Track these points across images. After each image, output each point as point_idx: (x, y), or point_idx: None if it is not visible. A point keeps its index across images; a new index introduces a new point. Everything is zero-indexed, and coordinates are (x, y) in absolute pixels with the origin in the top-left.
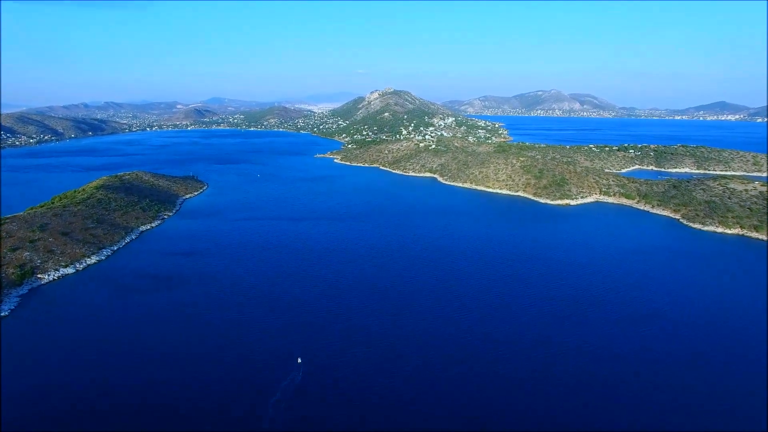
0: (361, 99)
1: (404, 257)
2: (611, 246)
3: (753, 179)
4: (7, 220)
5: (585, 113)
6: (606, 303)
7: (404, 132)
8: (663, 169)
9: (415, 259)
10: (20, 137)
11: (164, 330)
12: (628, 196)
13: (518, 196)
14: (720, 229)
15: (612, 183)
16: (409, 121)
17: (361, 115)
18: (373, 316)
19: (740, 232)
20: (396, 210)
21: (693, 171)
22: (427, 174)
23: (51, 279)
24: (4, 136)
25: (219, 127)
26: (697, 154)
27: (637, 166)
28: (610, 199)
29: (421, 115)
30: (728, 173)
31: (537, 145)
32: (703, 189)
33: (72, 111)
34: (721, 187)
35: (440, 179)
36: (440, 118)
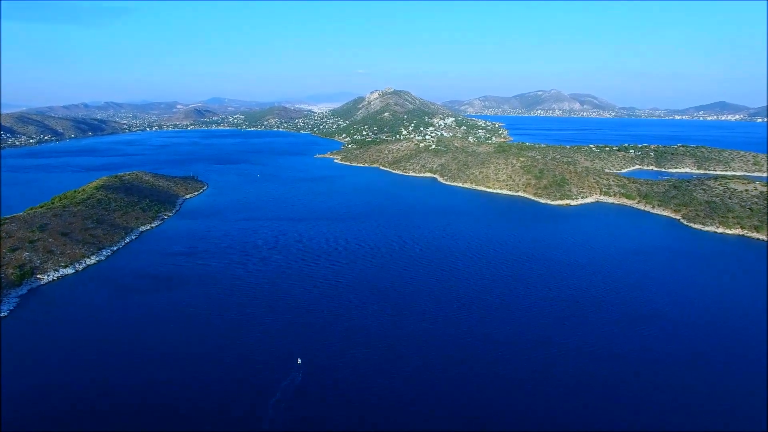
0: (361, 99)
1: (404, 257)
2: (611, 246)
3: (753, 179)
4: (6, 221)
5: (585, 113)
6: (606, 303)
7: (404, 132)
8: (663, 169)
9: (415, 259)
10: (20, 137)
11: (164, 330)
12: (628, 197)
13: (518, 196)
14: (720, 230)
15: (612, 183)
16: (409, 121)
17: (361, 115)
18: (373, 316)
19: (741, 233)
20: (396, 210)
21: (693, 171)
22: (427, 174)
23: (50, 279)
24: (4, 136)
25: (219, 127)
26: (698, 154)
27: (637, 166)
28: (611, 200)
29: (421, 115)
30: (728, 173)
31: (537, 145)
32: (703, 189)
33: (72, 111)
34: (721, 188)
35: (440, 179)
36: (440, 118)
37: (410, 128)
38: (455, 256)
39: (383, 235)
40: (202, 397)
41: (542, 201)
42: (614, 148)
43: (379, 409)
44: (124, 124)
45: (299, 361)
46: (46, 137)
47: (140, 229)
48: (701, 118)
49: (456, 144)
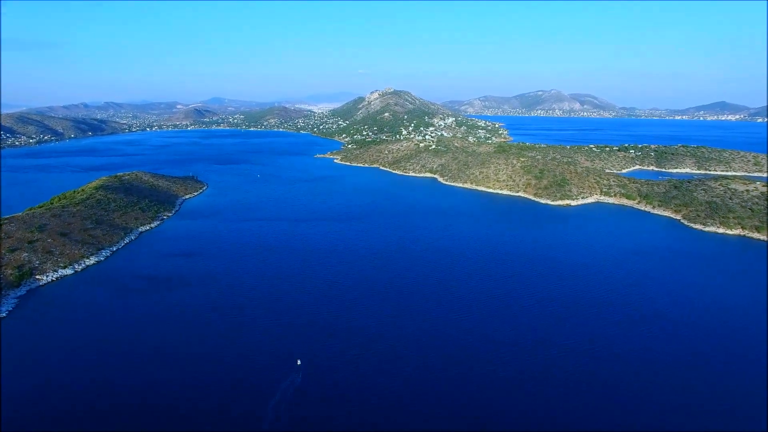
0: (361, 99)
1: (404, 258)
2: (612, 246)
3: (754, 179)
4: (5, 221)
5: (585, 113)
6: (607, 303)
7: (404, 132)
8: (663, 170)
9: (415, 259)
10: (20, 137)
11: (163, 331)
12: (628, 197)
13: (519, 196)
14: (721, 230)
15: (613, 183)
16: (409, 121)
17: (361, 115)
18: (373, 317)
19: (741, 233)
20: (396, 210)
21: (694, 171)
22: (428, 174)
23: (49, 280)
24: (3, 137)
25: (219, 128)
26: (698, 154)
27: (637, 167)
28: (611, 200)
29: (421, 115)
30: (729, 173)
31: (537, 146)
32: (704, 189)
33: (72, 111)
34: (722, 188)
35: (440, 179)
36: (440, 118)
37: (410, 128)
38: (455, 257)
39: (383, 236)
40: (202, 398)
41: (542, 201)
42: (614, 148)
43: (379, 410)
44: (124, 124)
45: (299, 362)
46: (46, 137)
47: (140, 230)
48: (701, 118)
49: (456, 144)
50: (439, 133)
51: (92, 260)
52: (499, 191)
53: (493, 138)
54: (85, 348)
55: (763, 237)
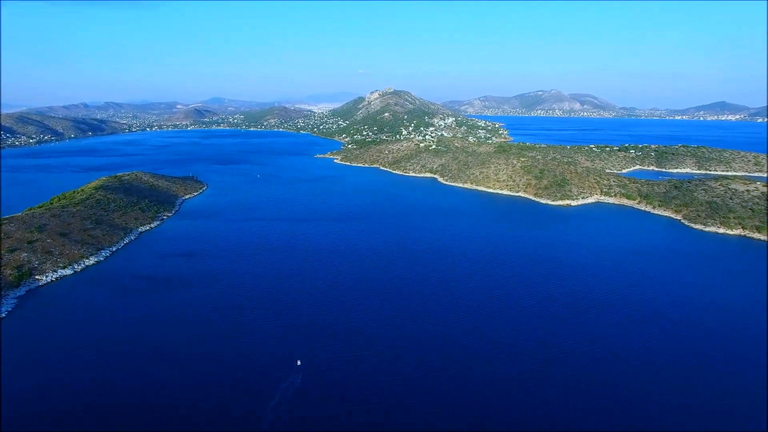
0: (361, 99)
1: (404, 258)
2: (612, 247)
3: (754, 179)
4: (5, 221)
5: (585, 113)
6: (607, 304)
7: (404, 132)
8: (664, 170)
9: (416, 260)
10: (20, 137)
11: (163, 331)
12: (629, 197)
13: (519, 196)
14: (722, 230)
15: (613, 183)
16: (409, 121)
17: (361, 115)
18: (373, 317)
19: (742, 233)
20: (396, 210)
21: (694, 171)
22: (428, 174)
23: (49, 280)
24: (3, 137)
25: (219, 128)
26: (698, 154)
27: (638, 167)
28: (611, 200)
29: (421, 115)
30: (729, 173)
31: (537, 146)
32: (704, 189)
33: (72, 111)
34: (722, 188)
35: (440, 179)
36: (440, 119)
37: (410, 128)
38: (455, 257)
39: (383, 236)
40: (202, 399)
41: (543, 201)
42: (615, 148)
43: (379, 410)
44: (124, 124)
45: (299, 362)
46: (45, 137)
47: (139, 230)
48: (701, 118)
49: (456, 144)
50: (439, 133)
51: (92, 260)
52: (500, 191)
53: (493, 138)
54: (85, 348)
55: (763, 237)
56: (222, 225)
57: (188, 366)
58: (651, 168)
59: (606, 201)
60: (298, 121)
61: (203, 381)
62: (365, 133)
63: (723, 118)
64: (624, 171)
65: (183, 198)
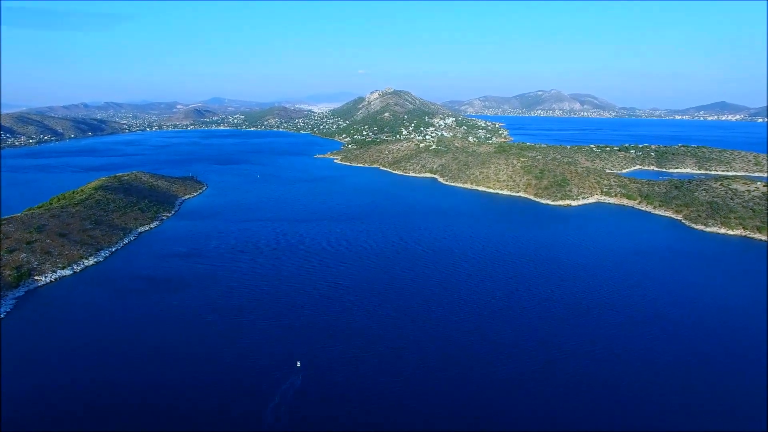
0: (361, 99)
1: (405, 258)
2: (613, 247)
3: (755, 179)
4: (4, 221)
5: (585, 113)
6: (608, 305)
7: (404, 132)
8: (664, 170)
9: (416, 260)
10: (20, 137)
11: (163, 332)
12: (629, 197)
13: (519, 196)
14: (722, 230)
15: (613, 183)
16: (410, 121)
17: (361, 115)
18: (374, 318)
19: (743, 233)
20: (396, 211)
21: (694, 171)
22: (428, 174)
23: (48, 281)
24: (3, 137)
25: (219, 128)
26: (699, 154)
27: (638, 167)
28: (612, 200)
29: (421, 115)
30: (730, 173)
31: (538, 146)
32: (705, 190)
33: (72, 111)
34: (723, 188)
35: (441, 180)
36: (440, 119)
37: (410, 128)
38: (456, 257)
39: (384, 236)
40: (202, 399)
41: (543, 201)
42: (615, 148)
43: (380, 410)
44: (124, 124)
45: (299, 363)
46: (45, 137)
47: (139, 230)
48: (701, 118)
49: (456, 144)
50: (440, 133)
51: (91, 261)
52: (500, 191)
53: (494, 138)
54: (85, 348)
55: (764, 237)
56: (222, 225)
57: (188, 366)
58: (651, 168)
59: (606, 201)
60: (298, 121)
61: (203, 382)
62: (365, 133)
63: (723, 118)
64: (624, 171)
65: (183, 198)
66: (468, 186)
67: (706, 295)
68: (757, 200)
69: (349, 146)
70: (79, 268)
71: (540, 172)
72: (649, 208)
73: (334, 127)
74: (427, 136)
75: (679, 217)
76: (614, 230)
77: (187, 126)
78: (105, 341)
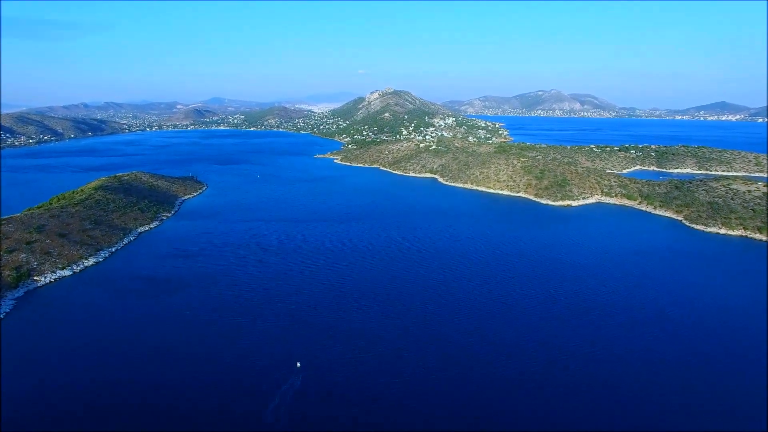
0: (362, 99)
1: (405, 259)
2: (614, 247)
3: (755, 180)
4: (4, 222)
5: (585, 113)
6: (609, 305)
7: (404, 132)
8: (664, 170)
9: (416, 260)
10: (20, 137)
11: (163, 332)
12: (629, 197)
13: (519, 196)
14: (723, 231)
15: (614, 184)
16: (410, 121)
17: (362, 115)
18: (374, 318)
19: (743, 234)
20: (396, 211)
21: (695, 171)
22: (428, 174)
23: (47, 281)
24: (3, 137)
25: (219, 128)
26: (699, 154)
27: (638, 167)
28: (612, 200)
29: (421, 115)
30: (730, 174)
31: (538, 146)
32: (705, 190)
33: (72, 111)
34: (723, 188)
35: (441, 180)
36: (440, 119)
37: (410, 128)
38: (456, 258)
39: (384, 236)
40: (201, 400)
41: (543, 202)
42: (615, 148)
43: (380, 411)
44: (124, 124)
45: (299, 364)
46: (45, 137)
47: (139, 230)
48: (702, 118)
49: (456, 144)
50: (440, 134)
51: (91, 261)
52: (500, 191)
53: (494, 138)
54: (85, 348)
55: (764, 238)
56: (222, 225)
57: (188, 367)
58: (651, 168)
59: (607, 201)
60: (298, 121)
61: (203, 382)
62: (365, 133)
63: (723, 118)
64: (624, 171)
65: (183, 198)
66: (468, 186)
67: (707, 296)
68: (758, 200)
69: (349, 146)
70: (78, 268)
71: (540, 173)
72: (650, 209)
73: (334, 127)
74: (427, 136)
75: (680, 218)
76: (615, 230)
77: (187, 126)
78: (105, 341)
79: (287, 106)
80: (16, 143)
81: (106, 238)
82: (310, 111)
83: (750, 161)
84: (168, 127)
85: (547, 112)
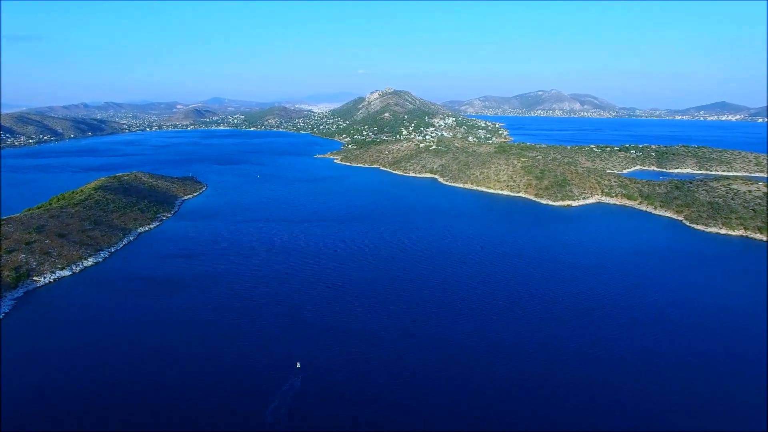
0: (361, 99)
1: (405, 259)
2: (614, 248)
3: (756, 180)
4: (3, 222)
5: (585, 113)
6: (609, 306)
7: (404, 132)
8: (665, 170)
9: (416, 261)
10: (19, 137)
11: (162, 333)
12: (630, 197)
13: (519, 196)
14: (724, 231)
15: (614, 184)
16: (410, 121)
17: (361, 115)
18: (374, 318)
19: (744, 234)
20: (396, 211)
21: (695, 171)
22: (428, 174)
23: (47, 282)
24: (3, 137)
25: (219, 128)
26: (699, 154)
27: (638, 167)
28: (612, 200)
29: (421, 115)
30: (730, 174)
31: (538, 146)
32: (705, 190)
33: (72, 111)
34: (724, 188)
35: (441, 180)
36: (440, 119)
37: (410, 128)
38: (456, 258)
39: (384, 237)
40: (201, 400)
41: (543, 202)
42: (615, 148)
43: (380, 411)
44: (124, 124)
45: (298, 365)
46: (45, 137)
47: (138, 231)
48: (702, 119)
49: (456, 144)
50: (440, 134)
51: (90, 261)
52: (500, 192)
53: (494, 138)
54: (85, 348)
55: (765, 238)
56: (221, 226)
57: (188, 367)
58: (652, 168)
59: (607, 201)
60: (298, 122)
61: (203, 382)
62: (365, 133)
63: (723, 118)
64: (625, 171)
65: (182, 198)
66: (468, 186)
67: (707, 296)
68: (758, 201)
69: (349, 146)
70: (78, 268)
71: (540, 173)
72: (650, 209)
73: (334, 127)
74: (427, 137)
75: (680, 218)
76: (615, 231)
77: (187, 126)
78: (105, 341)
79: (287, 106)
80: (16, 143)
81: (105, 239)
82: (310, 111)
83: (750, 161)
84: (168, 127)
85: (547, 112)
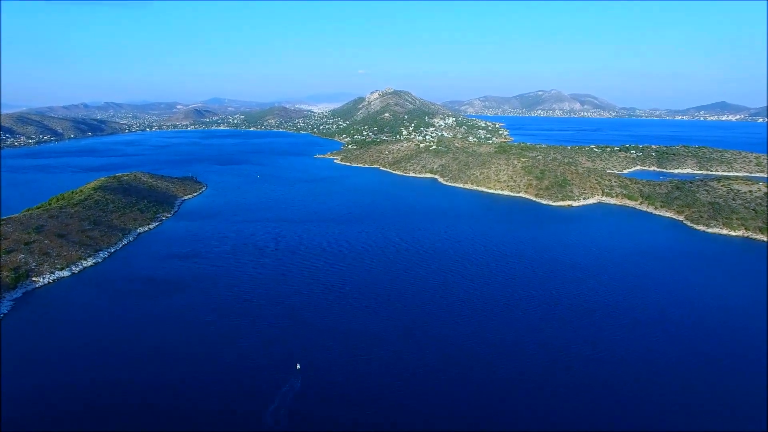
0: (362, 99)
1: (405, 259)
2: (615, 248)
3: (756, 180)
4: (3, 222)
5: (585, 113)
6: (610, 306)
7: (404, 132)
8: (665, 170)
9: (416, 261)
10: (19, 137)
11: (162, 333)
12: (630, 197)
13: (520, 197)
14: (724, 231)
15: (614, 184)
16: (410, 121)
17: (362, 115)
18: (374, 319)
19: (745, 234)
20: (397, 211)
21: (695, 172)
22: (428, 175)
23: (46, 282)
24: (3, 137)
25: (219, 128)
26: (699, 154)
27: (639, 167)
28: (613, 201)
29: (421, 115)
30: (731, 174)
31: (538, 146)
32: (706, 190)
33: (72, 111)
34: (724, 189)
35: (441, 180)
36: (440, 119)
37: (410, 128)
38: (456, 258)
39: (384, 237)
40: (201, 401)
41: (544, 202)
42: (615, 148)
43: (380, 412)
44: (124, 124)
45: (298, 366)
46: (45, 137)
47: (138, 231)
48: (702, 119)
49: (456, 144)
50: (440, 134)
51: (90, 262)
52: (500, 192)
53: (494, 138)
54: (85, 349)
55: (766, 238)
56: (221, 226)
57: (187, 367)
58: (652, 168)
59: (607, 202)
60: (298, 122)
61: (203, 383)
62: (365, 133)
63: (723, 119)
64: (625, 171)
65: (182, 199)
66: (468, 186)
67: (708, 296)
68: (759, 201)
69: (349, 146)
70: (77, 269)
71: (541, 173)
72: (651, 209)
73: (334, 127)
74: (427, 137)
75: (681, 218)
76: (615, 231)
77: (186, 126)
78: (104, 342)
79: (287, 106)
80: (16, 143)
81: (105, 239)
82: (310, 111)
83: (750, 161)
84: (168, 127)
85: (547, 112)
